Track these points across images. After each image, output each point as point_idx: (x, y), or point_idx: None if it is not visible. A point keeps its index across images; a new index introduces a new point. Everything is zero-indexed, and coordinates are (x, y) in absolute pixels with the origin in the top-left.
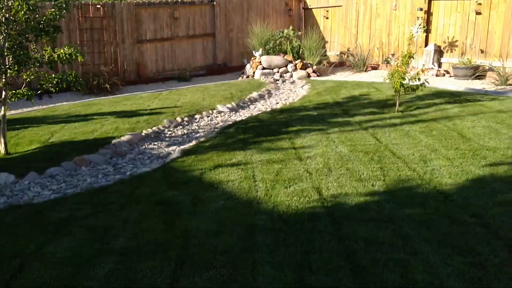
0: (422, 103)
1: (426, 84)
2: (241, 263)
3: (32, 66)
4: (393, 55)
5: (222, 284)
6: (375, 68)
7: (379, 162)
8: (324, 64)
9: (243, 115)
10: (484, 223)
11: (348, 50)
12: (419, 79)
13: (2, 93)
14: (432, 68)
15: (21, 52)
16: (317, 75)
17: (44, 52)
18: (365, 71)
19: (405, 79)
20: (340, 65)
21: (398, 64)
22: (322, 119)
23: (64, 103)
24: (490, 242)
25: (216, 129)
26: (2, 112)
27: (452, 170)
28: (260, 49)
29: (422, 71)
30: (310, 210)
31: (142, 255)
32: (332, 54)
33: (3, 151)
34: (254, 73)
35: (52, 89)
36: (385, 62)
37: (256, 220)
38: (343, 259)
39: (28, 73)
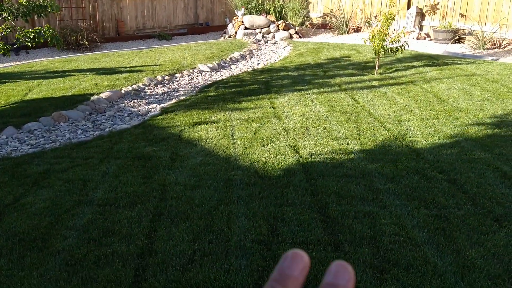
0: (401, 65)
1: (406, 46)
2: (217, 214)
3: (8, 18)
4: (375, 17)
5: (198, 234)
6: (357, 30)
7: (355, 122)
8: (307, 26)
9: (224, 74)
10: (451, 179)
11: (331, 11)
12: (399, 41)
13: None
14: (413, 31)
15: None
16: (299, 37)
17: (20, 4)
18: (347, 33)
19: (385, 41)
20: (323, 27)
21: (379, 26)
22: (302, 79)
23: (42, 59)
24: (455, 196)
25: (196, 88)
26: None
27: (425, 130)
28: (243, 8)
29: (403, 33)
30: (286, 166)
31: (121, 206)
32: (315, 16)
33: None
34: (236, 33)
35: (29, 44)
36: (367, 24)
37: (233, 175)
38: (315, 211)
39: (3, 26)
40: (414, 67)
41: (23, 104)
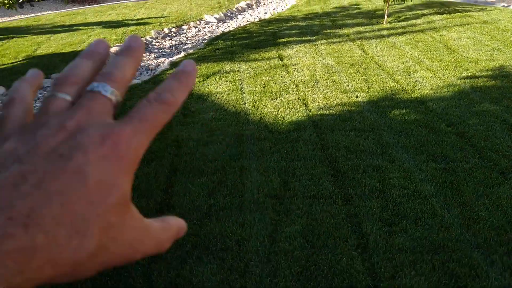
0: (411, 13)
1: None
2: (230, 169)
3: None
4: None
5: (212, 189)
6: None
7: (364, 74)
8: None
9: (231, 25)
10: (459, 132)
11: None
12: None
13: None
14: None
15: None
16: None
17: None
18: None
19: None
20: None
21: None
22: (310, 30)
23: (48, 12)
24: (463, 149)
25: (204, 41)
26: None
27: (434, 82)
28: None
29: None
30: (295, 121)
31: None
32: None
33: None
34: None
35: None
36: None
37: (244, 130)
38: (326, 165)
39: None
40: (424, 15)
41: (33, 61)
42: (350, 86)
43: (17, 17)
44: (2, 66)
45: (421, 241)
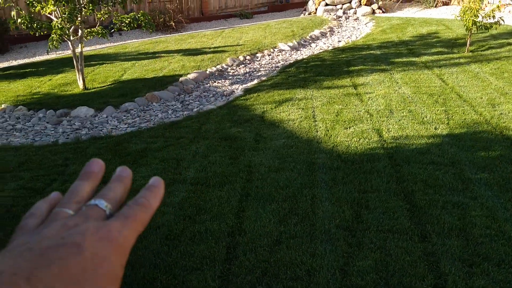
0: (496, 42)
1: (501, 22)
2: (301, 197)
3: (106, 5)
4: None
5: (283, 216)
6: (446, 3)
7: (443, 105)
8: (391, 0)
9: (304, 53)
10: None
11: None
12: (493, 16)
13: (78, 32)
14: (509, 3)
15: None
16: (382, 12)
17: None
18: (435, 6)
19: (478, 16)
20: (407, 0)
21: (471, 0)
22: (385, 58)
23: (134, 40)
24: None
25: (277, 68)
26: (79, 50)
27: None
28: None
29: (498, 7)
30: (369, 151)
31: (211, 186)
32: None
33: (81, 86)
34: (316, 9)
35: (125, 28)
36: None
37: (315, 158)
38: (401, 199)
39: (102, 12)
40: (510, 44)
41: (119, 85)
42: (428, 117)
43: (107, 45)
44: (93, 90)
45: (504, 285)
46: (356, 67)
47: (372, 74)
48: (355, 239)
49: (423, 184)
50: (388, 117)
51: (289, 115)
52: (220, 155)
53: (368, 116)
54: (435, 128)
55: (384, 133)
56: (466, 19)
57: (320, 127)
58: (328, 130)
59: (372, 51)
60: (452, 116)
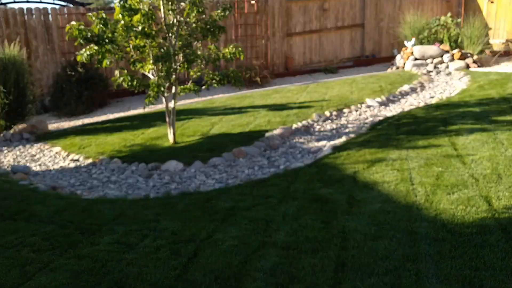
0: None
1: None
2: (403, 272)
3: (200, 64)
4: None
5: None
6: None
7: None
8: (487, 54)
9: (393, 110)
10: None
11: None
12: None
13: (172, 88)
14: None
15: (191, 51)
16: (478, 66)
17: (209, 50)
18: None
19: None
20: (506, 54)
21: None
22: (486, 116)
23: (220, 95)
24: None
25: (365, 125)
26: (173, 105)
27: None
28: (413, 39)
29: None
30: (478, 221)
31: (303, 252)
32: (496, 42)
33: (172, 140)
34: (404, 64)
35: (216, 85)
36: None
37: (416, 227)
38: None
39: (195, 70)
40: None
41: (207, 139)
42: None
43: (195, 99)
44: (182, 144)
45: None
46: (454, 126)
47: (473, 134)
48: None
49: None
50: (496, 182)
51: (383, 176)
52: (311, 218)
53: (474, 181)
54: None
55: (493, 201)
56: None
57: (419, 192)
58: (428, 195)
59: (470, 108)
60: None
